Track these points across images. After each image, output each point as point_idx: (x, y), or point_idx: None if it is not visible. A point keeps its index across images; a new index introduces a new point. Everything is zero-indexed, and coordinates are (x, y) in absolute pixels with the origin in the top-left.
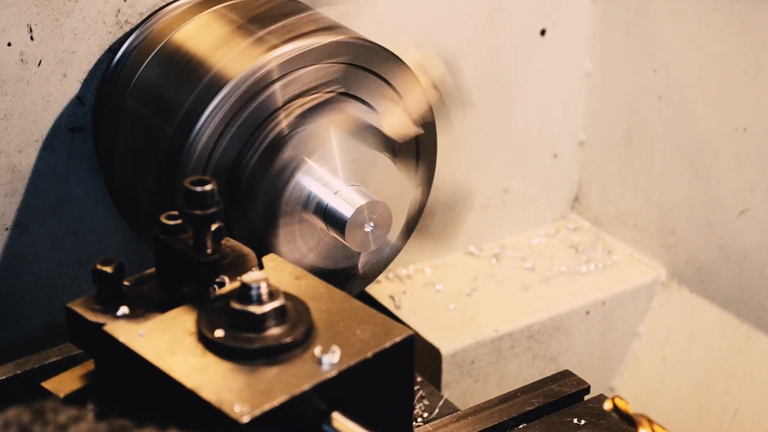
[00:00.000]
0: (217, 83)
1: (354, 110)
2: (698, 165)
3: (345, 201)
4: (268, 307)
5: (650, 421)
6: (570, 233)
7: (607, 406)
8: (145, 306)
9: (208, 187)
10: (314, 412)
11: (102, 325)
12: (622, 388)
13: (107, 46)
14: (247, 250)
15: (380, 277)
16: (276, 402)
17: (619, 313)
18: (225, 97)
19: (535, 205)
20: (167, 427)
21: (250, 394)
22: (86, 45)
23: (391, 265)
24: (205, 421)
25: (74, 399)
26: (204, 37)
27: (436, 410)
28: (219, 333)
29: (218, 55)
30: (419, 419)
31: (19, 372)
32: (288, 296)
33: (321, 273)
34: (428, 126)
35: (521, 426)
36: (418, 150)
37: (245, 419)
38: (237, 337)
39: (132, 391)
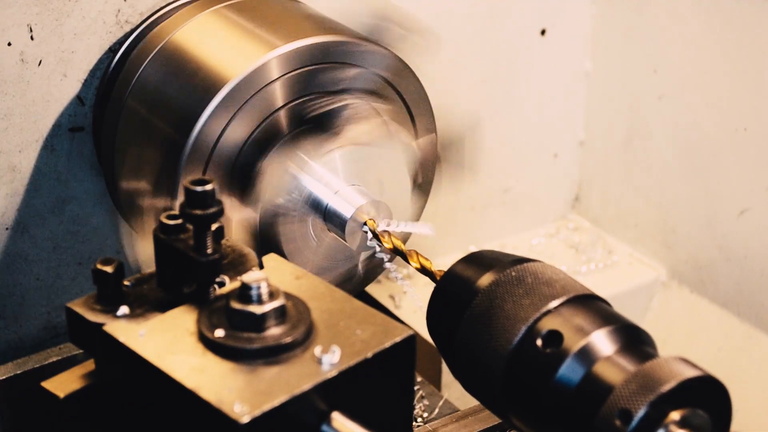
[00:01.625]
0: (217, 83)
1: (354, 108)
2: (698, 165)
3: (345, 200)
4: (268, 307)
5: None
6: (570, 233)
7: (365, 228)
8: (145, 306)
9: (209, 187)
10: (314, 412)
11: (102, 325)
12: None
13: (107, 46)
14: (247, 249)
15: (380, 277)
16: (276, 402)
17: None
18: (225, 96)
19: (536, 204)
20: None
21: (250, 394)
22: (86, 45)
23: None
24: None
25: (74, 399)
26: (204, 36)
27: (436, 410)
28: (219, 333)
29: (218, 54)
30: (419, 419)
31: (19, 372)
32: (288, 296)
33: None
34: (410, 78)
35: None
36: (408, 108)
37: (245, 419)
38: (237, 337)
39: (132, 391)
